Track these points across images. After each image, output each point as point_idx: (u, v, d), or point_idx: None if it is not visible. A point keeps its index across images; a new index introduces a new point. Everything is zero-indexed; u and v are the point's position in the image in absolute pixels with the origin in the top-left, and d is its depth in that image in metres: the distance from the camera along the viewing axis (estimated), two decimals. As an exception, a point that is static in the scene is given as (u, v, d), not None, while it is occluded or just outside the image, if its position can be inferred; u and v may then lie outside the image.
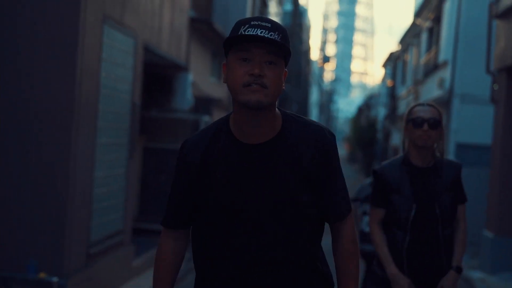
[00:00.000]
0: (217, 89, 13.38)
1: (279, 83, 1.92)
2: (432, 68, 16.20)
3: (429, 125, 3.17)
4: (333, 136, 2.04)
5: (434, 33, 17.02)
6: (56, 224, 5.54)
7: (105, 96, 6.34)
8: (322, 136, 2.00)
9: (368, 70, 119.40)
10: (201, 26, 10.85)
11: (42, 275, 5.32)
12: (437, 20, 16.42)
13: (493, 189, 9.42)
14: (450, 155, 12.63)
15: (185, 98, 9.95)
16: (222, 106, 13.64)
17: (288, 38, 1.96)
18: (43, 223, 5.53)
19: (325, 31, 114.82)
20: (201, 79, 11.67)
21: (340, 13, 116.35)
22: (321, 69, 61.42)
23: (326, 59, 60.02)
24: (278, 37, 1.89)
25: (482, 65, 11.17)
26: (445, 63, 14.39)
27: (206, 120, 10.57)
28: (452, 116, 13.25)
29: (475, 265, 9.67)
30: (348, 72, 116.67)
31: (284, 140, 1.97)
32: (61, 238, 5.54)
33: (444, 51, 14.79)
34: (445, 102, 13.56)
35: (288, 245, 1.95)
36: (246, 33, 1.87)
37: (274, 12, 20.38)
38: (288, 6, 25.05)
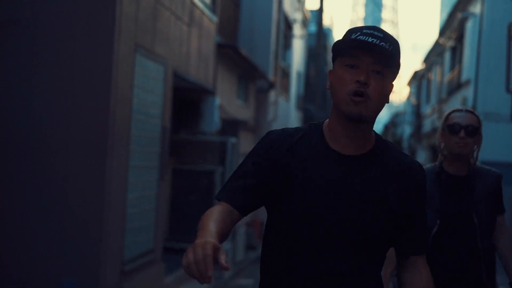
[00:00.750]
0: (243, 112, 13.67)
1: (384, 95, 1.84)
2: (456, 86, 16.34)
3: (466, 132, 3.00)
4: (425, 173, 1.96)
5: (457, 52, 17.17)
6: (92, 243, 5.86)
7: (137, 121, 6.68)
8: (414, 169, 1.92)
9: (394, 88, 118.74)
10: (227, 51, 11.17)
11: (80, 291, 5.63)
12: (460, 39, 16.58)
13: (516, 206, 9.52)
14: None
15: (212, 121, 10.23)
16: (248, 128, 13.92)
17: (399, 52, 1.88)
18: (80, 242, 5.85)
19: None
20: (227, 102, 11.97)
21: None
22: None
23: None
24: (389, 48, 1.80)
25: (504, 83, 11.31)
26: (467, 82, 14.53)
27: (233, 141, 10.85)
28: (475, 134, 13.34)
29: None
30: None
31: (376, 157, 1.89)
32: (97, 256, 5.86)
33: (467, 70, 14.94)
34: (469, 120, 13.66)
35: (355, 261, 1.84)
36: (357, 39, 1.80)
37: (299, 35, 20.70)
38: (313, 28, 25.35)
